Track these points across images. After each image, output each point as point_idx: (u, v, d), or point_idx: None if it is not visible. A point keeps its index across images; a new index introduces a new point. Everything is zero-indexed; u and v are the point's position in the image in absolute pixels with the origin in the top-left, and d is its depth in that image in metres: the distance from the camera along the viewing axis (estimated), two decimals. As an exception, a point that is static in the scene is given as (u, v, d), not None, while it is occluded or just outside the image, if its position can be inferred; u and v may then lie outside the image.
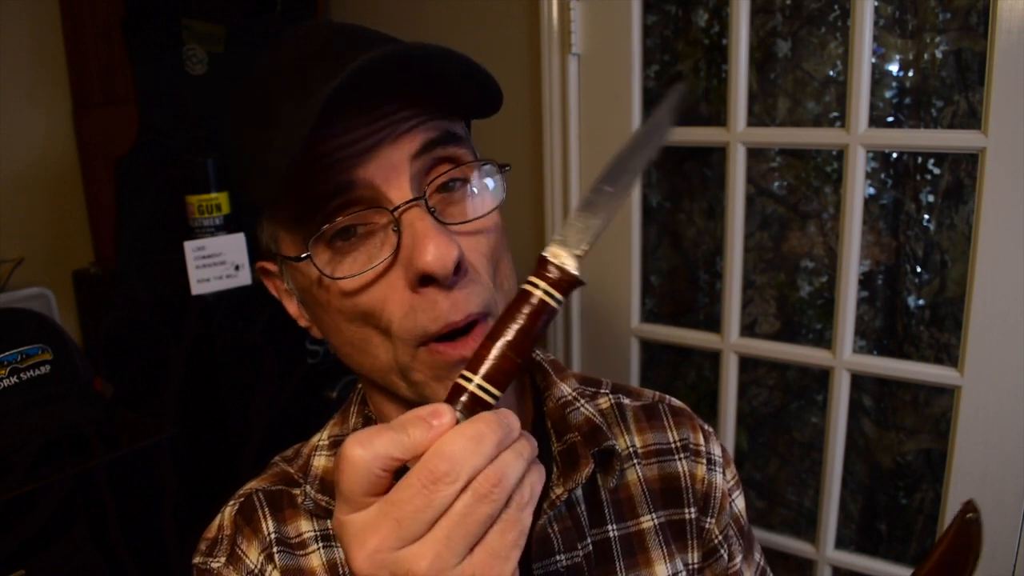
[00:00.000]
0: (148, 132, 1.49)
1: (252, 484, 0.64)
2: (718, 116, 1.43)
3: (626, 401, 0.69)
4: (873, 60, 1.21)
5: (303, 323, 0.59)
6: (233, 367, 1.40)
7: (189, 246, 1.35)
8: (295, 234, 0.52)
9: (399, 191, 0.49)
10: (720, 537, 0.66)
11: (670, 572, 0.63)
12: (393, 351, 0.51)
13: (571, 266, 0.43)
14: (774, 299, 1.49)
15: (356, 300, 0.50)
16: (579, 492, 0.61)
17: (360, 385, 0.65)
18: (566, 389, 0.65)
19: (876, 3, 1.20)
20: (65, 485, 1.14)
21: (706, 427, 0.70)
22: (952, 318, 1.30)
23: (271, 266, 0.58)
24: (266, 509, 0.61)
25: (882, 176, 1.34)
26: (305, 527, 0.60)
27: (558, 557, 0.59)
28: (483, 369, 0.41)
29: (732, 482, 0.69)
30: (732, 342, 1.40)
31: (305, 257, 0.50)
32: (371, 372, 0.54)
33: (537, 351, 0.67)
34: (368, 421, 0.63)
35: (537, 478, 0.40)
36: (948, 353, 1.31)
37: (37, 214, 1.65)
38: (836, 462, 1.33)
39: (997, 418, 1.17)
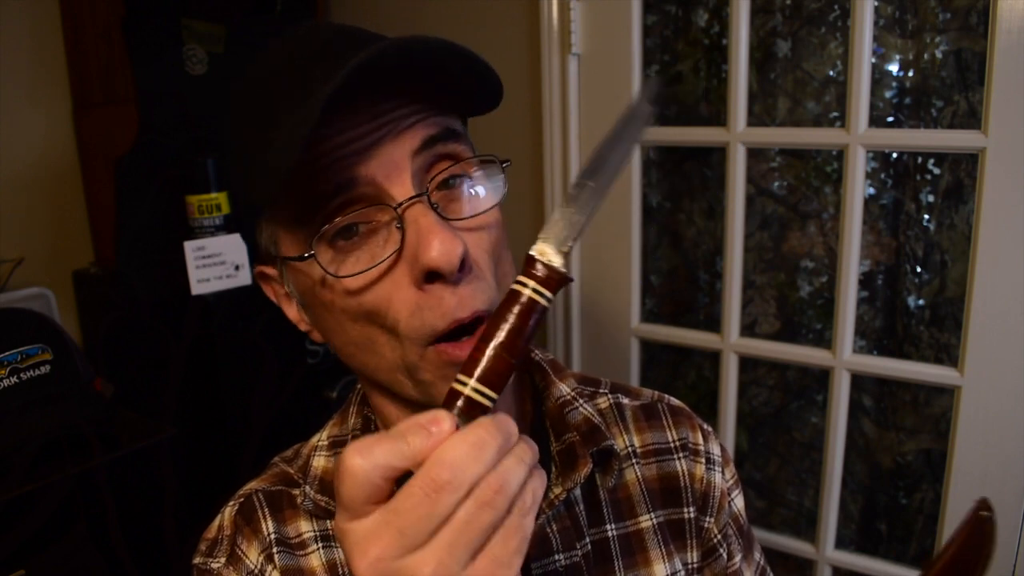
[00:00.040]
0: (148, 132, 1.49)
1: (252, 485, 0.64)
2: (718, 116, 1.43)
3: (625, 401, 0.69)
4: (873, 60, 1.21)
5: (303, 327, 0.58)
6: (233, 367, 1.40)
7: (189, 246, 1.35)
8: (296, 234, 0.51)
9: (401, 188, 0.49)
10: (719, 536, 0.66)
11: (669, 571, 0.63)
12: (401, 350, 0.51)
13: (558, 263, 0.43)
14: (774, 299, 1.49)
15: (361, 299, 0.50)
16: (577, 492, 0.61)
17: (359, 385, 0.65)
18: (565, 389, 0.65)
19: (876, 3, 1.20)
20: (65, 485, 1.14)
21: (705, 426, 0.70)
22: (952, 318, 1.30)
23: (270, 270, 0.58)
24: (266, 509, 0.61)
25: (882, 176, 1.34)
26: (305, 527, 0.60)
27: (557, 557, 0.59)
28: (478, 372, 0.41)
29: (731, 481, 0.69)
30: (732, 342, 1.40)
31: (309, 256, 0.49)
32: (376, 372, 0.54)
33: (536, 351, 0.67)
34: (367, 421, 0.63)
35: (539, 483, 0.40)
36: (948, 353, 1.31)
37: (37, 214, 1.65)
38: (836, 462, 1.33)
39: (997, 418, 1.17)
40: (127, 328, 1.56)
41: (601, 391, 0.69)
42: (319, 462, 0.62)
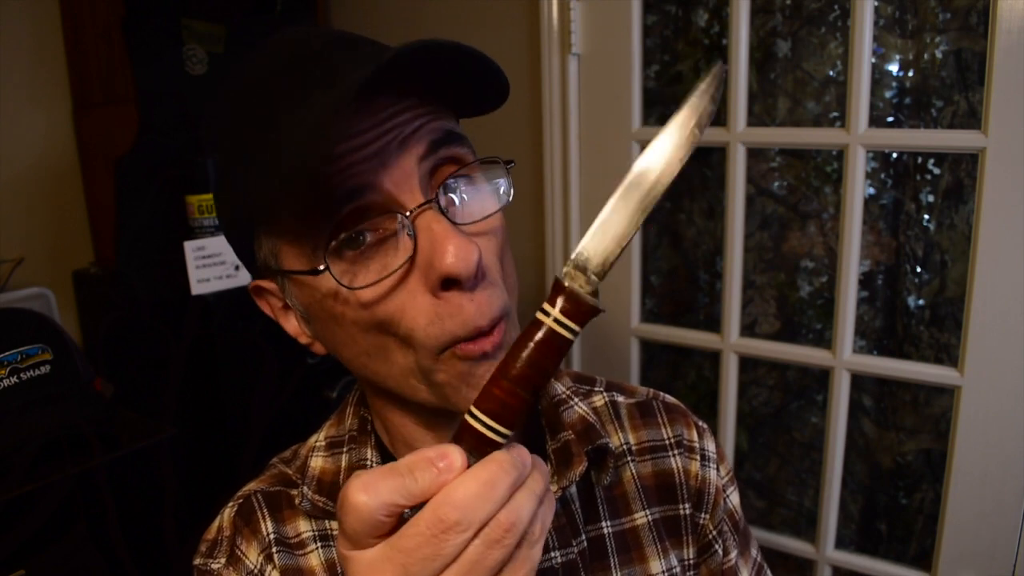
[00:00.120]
0: (148, 132, 1.49)
1: (251, 486, 0.64)
2: (718, 116, 1.43)
3: (620, 398, 0.69)
4: (873, 60, 1.21)
5: (303, 340, 0.57)
6: (233, 367, 1.40)
7: (189, 246, 1.35)
8: (301, 247, 0.49)
9: (410, 195, 0.48)
10: (714, 533, 0.67)
11: (664, 568, 0.63)
12: (414, 356, 0.50)
13: (588, 292, 0.40)
14: (774, 299, 1.49)
15: (374, 310, 0.48)
16: (573, 490, 0.61)
17: (357, 386, 0.65)
18: (560, 388, 0.65)
19: (876, 3, 1.20)
20: (65, 485, 1.14)
21: (700, 423, 0.70)
22: (952, 318, 1.30)
23: (268, 284, 0.56)
24: (265, 510, 0.61)
25: (882, 176, 1.34)
26: (303, 527, 0.60)
27: (553, 554, 0.59)
28: (492, 407, 0.39)
29: (726, 478, 0.69)
30: (732, 342, 1.40)
31: (323, 270, 0.47)
32: (387, 380, 0.53)
33: None
34: (363, 422, 0.63)
35: (548, 511, 0.39)
36: (948, 353, 1.31)
37: (37, 214, 1.65)
38: (836, 462, 1.33)
39: (997, 418, 1.17)
40: (127, 328, 1.56)
41: (596, 389, 0.69)
42: (317, 463, 0.62)
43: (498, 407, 0.39)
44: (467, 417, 0.40)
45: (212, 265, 1.37)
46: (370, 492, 0.37)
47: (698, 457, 0.67)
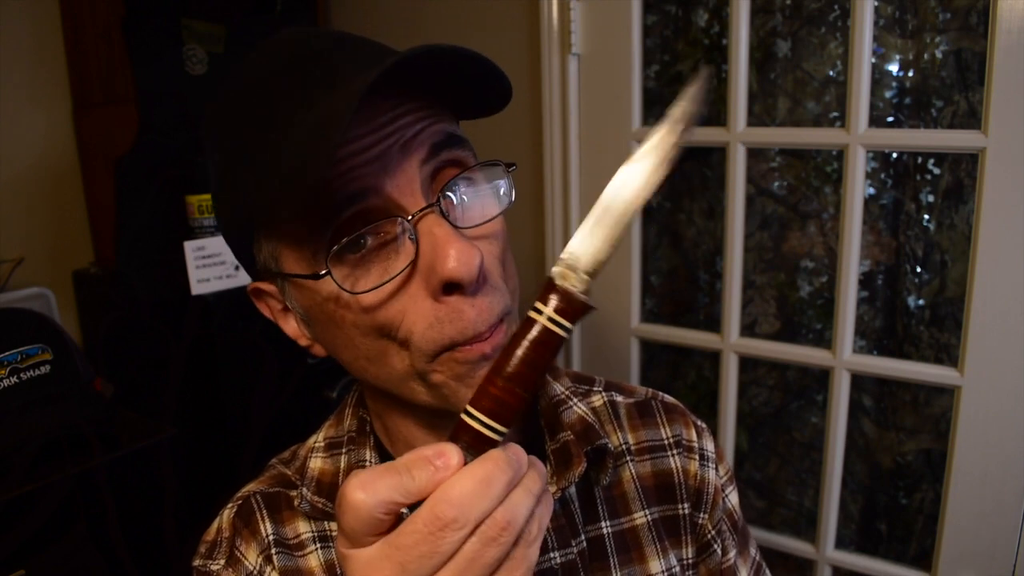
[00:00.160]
0: (148, 132, 1.49)
1: (250, 487, 0.64)
2: (718, 116, 1.43)
3: (619, 398, 0.69)
4: (873, 60, 1.21)
5: (303, 342, 0.57)
6: (233, 367, 1.40)
7: (189, 246, 1.35)
8: (302, 250, 0.49)
9: (412, 198, 0.47)
10: (713, 532, 0.67)
11: (664, 567, 0.63)
12: (410, 359, 0.50)
13: (579, 290, 0.40)
14: (774, 299, 1.49)
15: (375, 314, 0.48)
16: (572, 490, 0.61)
17: (356, 386, 0.65)
18: (559, 388, 0.65)
19: (876, 3, 1.20)
20: (65, 485, 1.14)
21: (699, 423, 0.70)
22: (952, 318, 1.30)
23: (266, 286, 0.55)
24: (264, 511, 0.61)
25: (882, 176, 1.34)
26: (303, 528, 0.60)
27: (552, 555, 0.59)
28: (488, 405, 0.39)
29: (725, 478, 0.69)
30: (732, 342, 1.40)
31: (324, 274, 0.47)
32: (387, 383, 0.53)
33: None
34: (362, 423, 0.63)
35: (546, 511, 0.39)
36: (948, 353, 1.31)
37: (37, 214, 1.65)
38: (836, 462, 1.33)
39: (997, 418, 1.17)
40: (127, 328, 1.56)
41: (595, 389, 0.69)
42: (316, 463, 0.62)
43: (494, 405, 0.40)
44: (463, 416, 0.40)
45: (212, 265, 1.37)
46: (368, 490, 0.37)
47: (697, 457, 0.67)
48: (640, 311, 1.52)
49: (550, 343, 0.40)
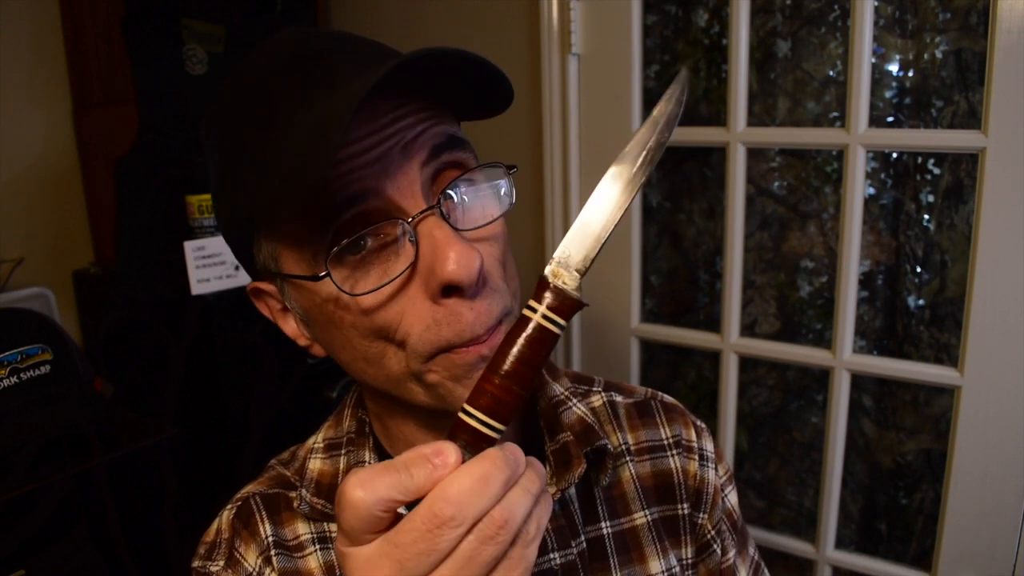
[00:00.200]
0: (148, 132, 1.49)
1: (249, 488, 0.64)
2: (718, 116, 1.43)
3: (618, 399, 0.69)
4: (873, 60, 1.21)
5: (302, 342, 0.57)
6: (233, 367, 1.40)
7: (189, 246, 1.35)
8: (301, 251, 0.49)
9: (413, 200, 0.47)
10: (713, 532, 0.67)
11: (664, 568, 0.63)
12: (406, 360, 0.50)
13: (571, 287, 0.41)
14: (774, 299, 1.49)
15: (373, 316, 0.49)
16: (572, 491, 0.62)
17: (355, 387, 0.65)
18: (558, 389, 0.65)
19: (876, 3, 1.20)
20: (65, 485, 1.14)
21: (698, 423, 0.70)
22: (952, 318, 1.30)
23: (266, 286, 0.55)
24: (263, 512, 0.61)
25: (882, 176, 1.34)
26: (302, 529, 0.60)
27: (552, 555, 0.59)
28: (485, 403, 0.40)
29: (724, 477, 0.70)
30: (732, 342, 1.40)
31: (324, 276, 0.47)
32: (384, 384, 0.53)
33: None
34: (362, 424, 0.63)
35: (544, 511, 0.39)
36: (948, 353, 1.31)
37: (37, 214, 1.65)
38: (836, 462, 1.33)
39: (997, 418, 1.17)
40: (127, 328, 1.56)
41: (595, 389, 0.70)
42: (315, 464, 0.62)
43: (491, 403, 0.40)
44: (461, 414, 0.41)
45: (212, 265, 1.37)
46: (367, 488, 0.37)
47: (696, 457, 0.67)
48: (640, 311, 1.52)
49: (545, 340, 0.41)
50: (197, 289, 1.35)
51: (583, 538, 0.61)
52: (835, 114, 1.35)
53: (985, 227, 1.13)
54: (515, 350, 0.40)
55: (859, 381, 1.37)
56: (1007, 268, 1.12)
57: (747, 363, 1.47)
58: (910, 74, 1.28)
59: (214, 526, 0.63)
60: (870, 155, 1.28)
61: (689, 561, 0.65)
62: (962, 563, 1.23)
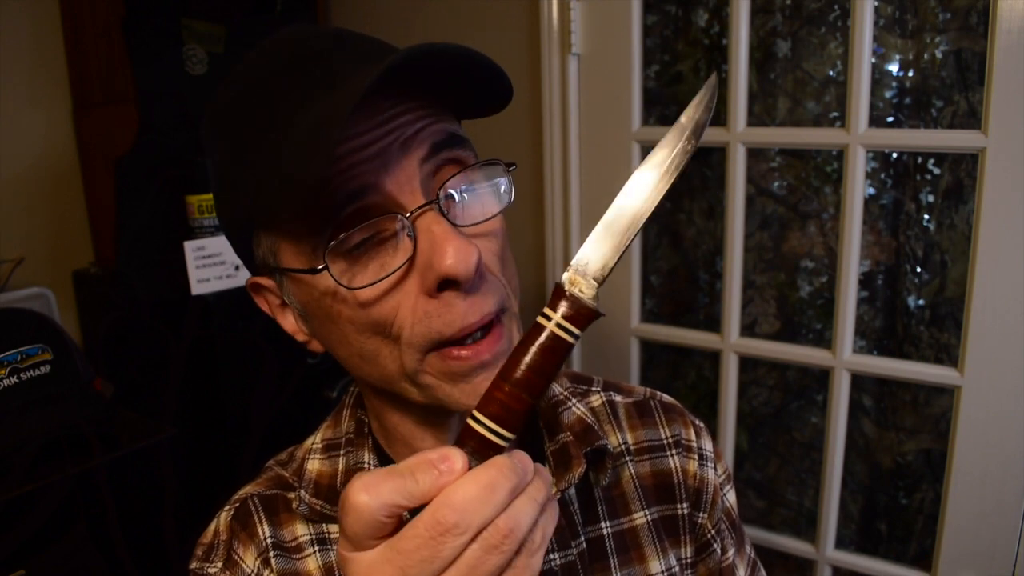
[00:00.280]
0: (148, 132, 1.49)
1: (247, 489, 0.64)
2: (718, 116, 1.43)
3: (618, 398, 0.69)
4: (873, 60, 1.21)
5: (301, 338, 0.57)
6: (233, 367, 1.40)
7: (189, 246, 1.35)
8: (301, 245, 0.49)
9: (411, 196, 0.48)
10: (713, 531, 0.67)
11: (664, 567, 0.63)
12: (400, 359, 0.50)
13: (588, 296, 0.41)
14: (774, 299, 1.49)
15: (370, 310, 0.49)
16: (572, 491, 0.61)
17: (354, 387, 0.65)
18: (557, 388, 0.65)
19: (876, 3, 1.20)
20: (65, 485, 1.14)
21: (697, 422, 0.70)
22: (952, 318, 1.30)
23: (266, 281, 0.56)
24: (262, 514, 0.61)
25: (882, 176, 1.34)
26: (301, 531, 0.60)
27: (552, 556, 0.59)
28: (495, 411, 0.39)
29: (723, 477, 0.70)
30: (732, 342, 1.40)
31: (321, 269, 0.48)
32: (380, 381, 0.53)
33: None
34: (360, 424, 0.62)
35: (550, 519, 0.39)
36: (948, 353, 1.31)
37: (37, 214, 1.65)
38: (836, 462, 1.33)
39: (997, 418, 1.17)
40: (127, 328, 1.56)
41: (594, 389, 0.70)
42: (313, 465, 0.62)
43: (500, 410, 0.39)
44: (470, 420, 0.40)
45: (212, 265, 1.37)
46: (371, 492, 0.37)
47: (696, 456, 0.67)
48: (640, 311, 1.52)
49: (558, 349, 0.40)
50: (197, 289, 1.35)
51: (583, 538, 0.61)
52: (835, 114, 1.35)
53: (985, 227, 1.13)
54: (527, 358, 0.40)
55: (859, 381, 1.37)
56: (1007, 268, 1.12)
57: (747, 363, 1.47)
58: (910, 74, 1.28)
59: (212, 527, 0.63)
60: (870, 155, 1.28)
61: (689, 560, 0.65)
62: (962, 563, 1.23)
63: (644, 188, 0.43)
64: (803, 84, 1.37)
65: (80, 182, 1.70)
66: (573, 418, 0.62)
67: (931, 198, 1.30)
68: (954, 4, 1.21)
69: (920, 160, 1.30)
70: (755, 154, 1.40)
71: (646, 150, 1.51)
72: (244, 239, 0.55)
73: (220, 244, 1.37)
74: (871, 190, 1.33)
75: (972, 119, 1.21)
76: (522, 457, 0.39)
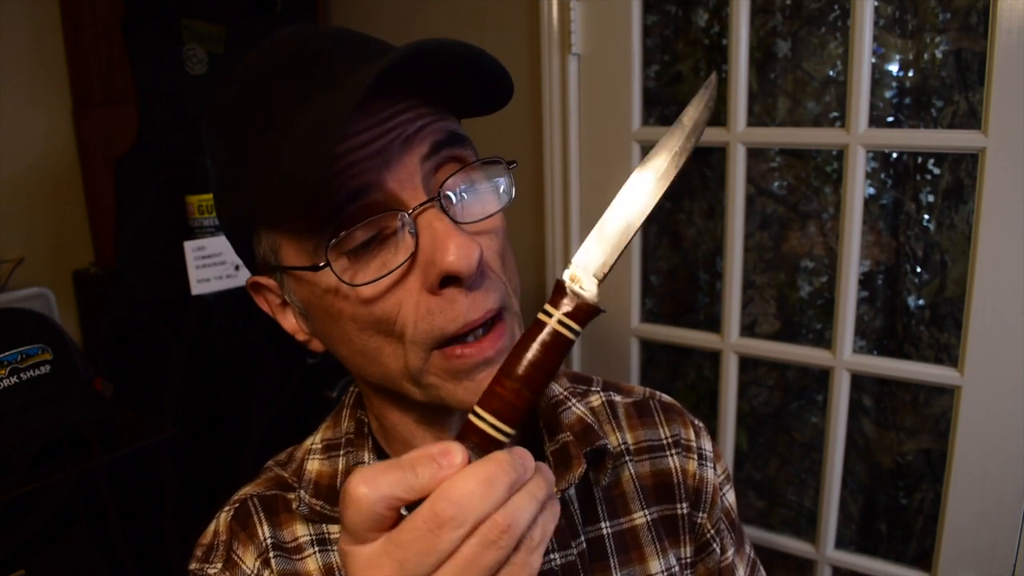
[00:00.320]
0: (148, 132, 1.49)
1: (247, 489, 0.64)
2: (718, 116, 1.42)
3: (617, 398, 0.69)
4: (873, 60, 1.21)
5: (301, 337, 0.57)
6: (233, 367, 1.40)
7: (189, 246, 1.35)
8: (302, 243, 0.49)
9: (413, 193, 0.48)
10: (712, 531, 0.67)
11: (663, 567, 0.63)
12: (404, 357, 0.50)
13: (590, 292, 0.41)
14: (774, 299, 1.49)
15: (372, 307, 0.49)
16: (572, 491, 0.62)
17: (354, 388, 0.65)
18: (557, 389, 0.65)
19: (876, 3, 1.20)
20: (65, 485, 1.14)
21: (696, 422, 0.70)
22: (952, 318, 1.30)
23: (266, 280, 0.56)
24: (261, 514, 0.61)
25: (882, 176, 1.34)
26: (301, 531, 0.60)
27: (552, 556, 0.59)
28: (496, 406, 0.40)
29: (722, 476, 0.70)
30: (732, 342, 1.40)
31: (324, 266, 0.48)
32: (382, 380, 0.53)
33: None
34: (360, 425, 0.62)
35: (551, 518, 0.39)
36: (948, 353, 1.31)
37: (37, 214, 1.65)
38: (836, 462, 1.33)
39: (997, 418, 1.17)
40: (127, 328, 1.56)
41: (593, 389, 0.70)
42: (313, 466, 0.62)
43: (502, 406, 0.40)
44: (471, 416, 0.40)
45: (212, 265, 1.37)
46: (370, 484, 0.37)
47: (695, 456, 0.67)
48: (640, 311, 1.52)
49: (559, 345, 0.40)
50: (197, 289, 1.35)
51: (583, 538, 0.61)
52: (835, 114, 1.35)
53: (985, 227, 1.13)
54: (529, 354, 0.40)
55: (859, 381, 1.37)
56: (1007, 268, 1.12)
57: (747, 363, 1.47)
58: (910, 74, 1.28)
59: (211, 528, 0.63)
60: (870, 155, 1.28)
61: (688, 560, 0.65)
62: (962, 563, 1.23)
63: (644, 187, 0.43)
64: (803, 84, 1.37)
65: (80, 182, 1.70)
66: (573, 418, 0.62)
67: (931, 198, 1.30)
68: (954, 4, 1.21)
69: (920, 160, 1.30)
70: (755, 154, 1.40)
71: (646, 150, 1.51)
72: (244, 238, 0.55)
73: (220, 244, 1.37)
74: (871, 190, 1.33)
75: (972, 119, 1.21)
76: (522, 453, 0.39)
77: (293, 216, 0.49)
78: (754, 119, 1.38)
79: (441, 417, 0.57)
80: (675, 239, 1.57)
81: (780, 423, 1.52)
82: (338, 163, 0.46)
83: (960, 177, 1.27)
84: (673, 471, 0.66)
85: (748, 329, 1.49)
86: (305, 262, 0.50)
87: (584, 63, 1.45)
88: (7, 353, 1.14)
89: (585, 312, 0.41)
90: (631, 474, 0.65)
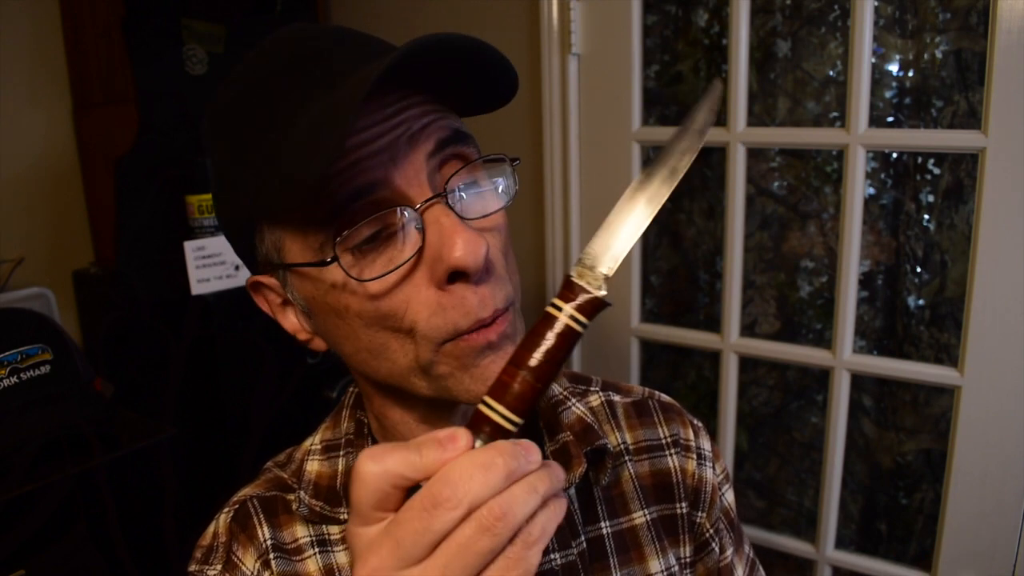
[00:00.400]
0: (148, 132, 1.49)
1: (246, 491, 0.64)
2: (718, 116, 1.43)
3: (616, 398, 0.69)
4: (873, 60, 1.21)
5: (302, 336, 0.57)
6: (233, 367, 1.40)
7: (189, 246, 1.35)
8: (307, 240, 0.49)
9: (419, 189, 0.48)
10: (711, 531, 0.67)
11: (663, 567, 0.63)
12: (415, 351, 0.50)
13: (597, 288, 0.42)
14: (774, 299, 1.49)
15: (379, 303, 0.49)
16: (572, 491, 0.62)
17: (353, 388, 0.65)
18: (557, 388, 0.65)
19: (876, 3, 1.20)
20: (65, 485, 1.14)
21: (695, 422, 0.70)
22: (952, 318, 1.30)
23: (267, 279, 0.55)
24: (261, 515, 0.61)
25: (882, 176, 1.34)
26: (300, 532, 0.60)
27: (552, 556, 0.59)
28: (505, 397, 0.41)
29: (721, 476, 0.70)
30: (732, 342, 1.40)
31: (331, 261, 0.48)
32: (388, 377, 0.53)
33: None
34: (360, 425, 0.62)
35: (552, 515, 0.39)
36: (948, 353, 1.31)
37: (37, 214, 1.65)
38: (836, 462, 1.33)
39: (997, 418, 1.17)
40: (127, 328, 1.56)
41: (592, 389, 0.70)
42: (313, 466, 0.62)
43: (512, 397, 0.41)
44: (481, 406, 0.41)
45: (212, 265, 1.37)
46: (377, 460, 0.38)
47: (694, 456, 0.67)
48: (640, 311, 1.52)
49: (569, 337, 0.41)
50: (197, 289, 1.35)
51: (583, 538, 0.61)
52: (835, 114, 1.35)
53: (985, 227, 1.13)
54: (540, 345, 0.41)
55: (859, 381, 1.37)
56: (1007, 268, 1.12)
57: (747, 363, 1.47)
58: (910, 74, 1.28)
59: (210, 529, 0.63)
60: (870, 155, 1.28)
61: (688, 560, 0.66)
62: (962, 563, 1.23)
63: (649, 187, 0.45)
64: (803, 84, 1.37)
65: (80, 182, 1.70)
66: (573, 418, 0.62)
67: (931, 198, 1.30)
68: (954, 4, 1.21)
69: (920, 160, 1.30)
70: (755, 154, 1.41)
71: (646, 150, 1.51)
72: (245, 238, 0.55)
73: (220, 244, 1.37)
74: (871, 190, 1.33)
75: (972, 119, 1.21)
76: (528, 445, 0.39)
77: (292, 215, 0.49)
78: (754, 119, 1.38)
79: (443, 415, 0.57)
80: (675, 239, 1.58)
81: (780, 423, 1.53)
82: (344, 159, 0.46)
83: (960, 177, 1.27)
84: (672, 471, 0.66)
85: (748, 329, 1.49)
86: (311, 258, 0.50)
87: (584, 63, 1.45)
88: (7, 353, 1.14)
89: (593, 306, 0.42)
90: (630, 474, 0.65)
